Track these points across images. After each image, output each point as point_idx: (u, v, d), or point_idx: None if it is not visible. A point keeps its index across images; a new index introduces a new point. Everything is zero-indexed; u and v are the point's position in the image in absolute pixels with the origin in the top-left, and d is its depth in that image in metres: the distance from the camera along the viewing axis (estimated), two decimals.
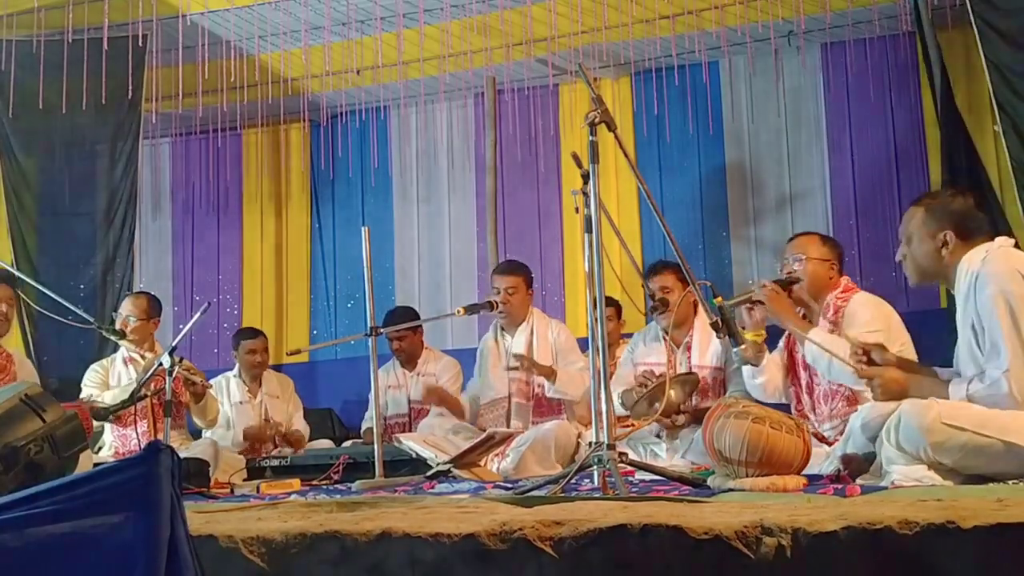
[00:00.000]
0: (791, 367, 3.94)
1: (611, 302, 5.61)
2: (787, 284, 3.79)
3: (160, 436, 4.70)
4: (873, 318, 3.66)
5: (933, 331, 3.97)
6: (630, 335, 5.28)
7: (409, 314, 5.76)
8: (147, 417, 5.02)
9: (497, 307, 4.91)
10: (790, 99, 6.66)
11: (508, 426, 4.83)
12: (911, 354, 3.64)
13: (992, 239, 3.06)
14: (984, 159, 5.53)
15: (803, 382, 3.87)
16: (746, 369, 3.94)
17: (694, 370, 4.52)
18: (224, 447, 5.37)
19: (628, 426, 4.58)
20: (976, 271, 2.95)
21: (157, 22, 6.21)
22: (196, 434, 5.51)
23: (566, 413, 4.95)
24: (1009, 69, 5.07)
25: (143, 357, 5.22)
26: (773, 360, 3.96)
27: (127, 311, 5.31)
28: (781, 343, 4.04)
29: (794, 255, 3.86)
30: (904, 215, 3.25)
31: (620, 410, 4.50)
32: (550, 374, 4.78)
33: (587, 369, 4.72)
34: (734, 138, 6.81)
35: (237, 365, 6.06)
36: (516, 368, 4.85)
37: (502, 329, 5.09)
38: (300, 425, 5.99)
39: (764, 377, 3.90)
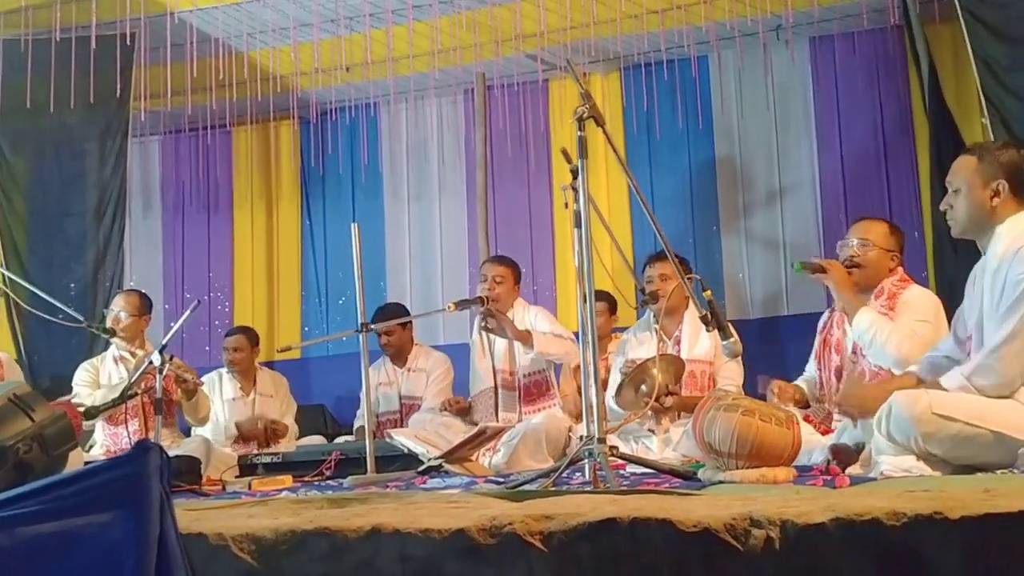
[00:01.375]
0: (822, 351, 3.94)
1: (604, 296, 5.61)
2: (848, 268, 3.80)
3: (151, 434, 4.70)
4: (927, 309, 3.67)
5: None
6: (623, 329, 5.29)
7: (399, 310, 5.77)
8: (138, 415, 5.02)
9: (487, 302, 4.94)
10: (779, 93, 6.67)
11: (497, 417, 4.86)
12: None
13: None
14: None
15: (833, 365, 3.86)
16: None
17: (685, 363, 4.52)
18: (216, 441, 5.39)
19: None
20: (1016, 244, 2.92)
21: (145, 20, 6.19)
22: (188, 432, 5.51)
23: (557, 398, 4.98)
24: (996, 62, 5.09)
25: (134, 355, 5.22)
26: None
27: (119, 308, 5.31)
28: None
29: (859, 239, 3.82)
30: (954, 164, 3.19)
31: (616, 411, 4.48)
32: (526, 338, 4.82)
33: (564, 336, 4.80)
34: (723, 133, 6.82)
35: None
36: (490, 329, 4.89)
37: None
38: (288, 422, 5.99)
39: None
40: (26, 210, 6.69)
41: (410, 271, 7.44)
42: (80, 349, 6.05)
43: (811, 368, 4.05)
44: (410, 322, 5.87)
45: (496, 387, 5.01)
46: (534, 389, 4.98)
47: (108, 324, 5.21)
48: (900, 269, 3.84)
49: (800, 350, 4.28)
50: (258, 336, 6.31)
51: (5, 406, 2.54)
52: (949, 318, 3.38)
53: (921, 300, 3.72)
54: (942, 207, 3.20)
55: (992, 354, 2.87)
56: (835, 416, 3.78)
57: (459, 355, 5.75)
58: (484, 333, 5.10)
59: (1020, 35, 5.09)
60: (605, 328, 5.51)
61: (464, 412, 5.11)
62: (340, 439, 5.73)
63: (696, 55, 6.47)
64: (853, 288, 3.75)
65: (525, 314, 5.08)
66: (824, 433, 3.69)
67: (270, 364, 6.70)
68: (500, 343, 5.05)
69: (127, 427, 5.03)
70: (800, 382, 4.03)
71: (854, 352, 3.77)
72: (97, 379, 5.26)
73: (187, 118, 7.22)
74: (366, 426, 4.23)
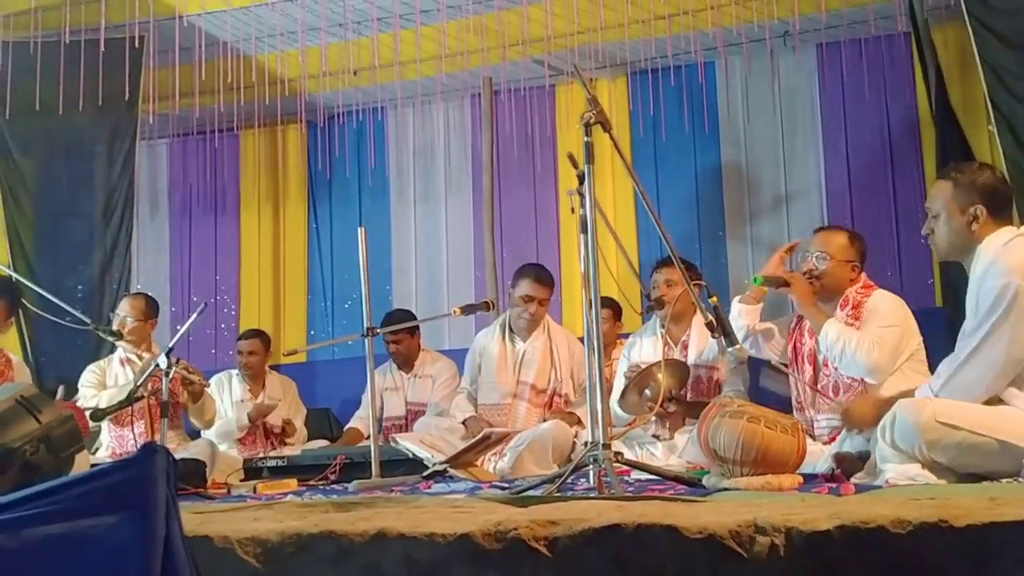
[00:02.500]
0: (794, 359, 3.95)
1: (608, 303, 5.60)
2: (809, 279, 3.82)
3: (157, 437, 4.70)
4: (892, 312, 3.69)
5: (930, 330, 3.98)
6: (627, 335, 5.28)
7: (407, 317, 5.76)
8: (144, 418, 5.03)
9: (493, 307, 4.92)
10: (786, 99, 6.66)
11: (513, 428, 4.82)
12: (923, 355, 3.70)
13: (1015, 220, 3.08)
14: (979, 158, 5.54)
15: (806, 376, 3.87)
16: (736, 307, 4.04)
17: (690, 368, 4.51)
18: (225, 438, 5.40)
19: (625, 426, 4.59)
20: (993, 257, 2.95)
21: (154, 23, 6.20)
22: (193, 435, 5.52)
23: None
24: (1004, 69, 5.08)
25: (140, 358, 5.23)
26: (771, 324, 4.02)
27: (124, 312, 5.32)
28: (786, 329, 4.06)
29: (818, 252, 3.83)
30: (931, 190, 3.23)
31: (621, 416, 4.48)
32: (577, 423, 4.77)
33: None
34: (730, 138, 6.82)
35: None
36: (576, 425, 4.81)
37: (509, 330, 5.08)
38: (296, 425, 6.01)
39: (749, 320, 4.01)
40: (34, 211, 6.70)
41: (416, 275, 7.44)
42: (87, 351, 6.06)
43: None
44: (418, 329, 5.86)
45: (515, 398, 4.94)
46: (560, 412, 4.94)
47: (115, 327, 5.22)
48: (863, 276, 3.85)
49: None
50: (270, 339, 6.33)
51: (12, 408, 2.55)
52: (956, 328, 3.37)
53: (886, 305, 3.73)
54: (924, 232, 3.22)
55: (957, 368, 2.89)
56: (817, 427, 3.79)
57: (463, 360, 5.75)
58: (507, 341, 5.06)
59: None
60: (610, 335, 5.49)
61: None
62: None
63: (703, 60, 6.47)
64: (816, 301, 3.77)
65: (566, 343, 5.00)
66: (824, 444, 3.70)
67: (276, 367, 6.71)
68: (531, 354, 4.96)
69: (133, 429, 5.05)
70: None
71: (825, 365, 3.78)
72: (104, 381, 5.28)
73: (195, 121, 7.23)
74: (371, 430, 4.23)
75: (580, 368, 4.91)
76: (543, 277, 5.07)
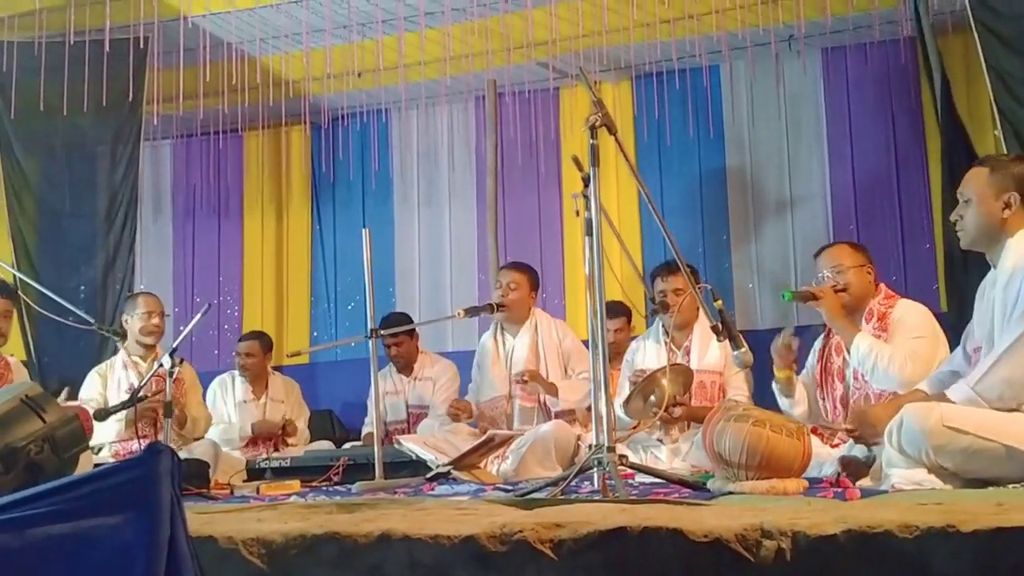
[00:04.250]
0: (823, 379, 3.91)
1: (622, 311, 5.57)
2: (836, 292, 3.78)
3: (160, 437, 4.69)
4: (921, 323, 3.67)
5: None
6: (634, 338, 5.26)
7: (405, 320, 5.76)
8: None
9: (497, 309, 4.93)
10: (790, 104, 6.67)
11: (510, 426, 4.84)
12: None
13: None
14: None
15: (837, 393, 3.82)
16: (783, 401, 3.94)
17: (694, 373, 4.50)
18: (227, 440, 5.37)
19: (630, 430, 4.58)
20: None
21: (158, 24, 6.21)
22: None
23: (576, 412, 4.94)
24: (1010, 75, 5.08)
25: (143, 359, 5.21)
26: (803, 384, 3.96)
27: (151, 308, 5.26)
28: (810, 360, 4.02)
29: (831, 267, 3.82)
30: (966, 175, 3.21)
31: (624, 420, 4.47)
32: (554, 391, 4.77)
33: (587, 378, 4.72)
34: (734, 142, 6.81)
35: None
36: (524, 382, 4.83)
37: (502, 328, 5.11)
38: (299, 427, 6.00)
39: (801, 407, 3.91)
40: (37, 212, 6.70)
41: (419, 277, 7.45)
42: (89, 351, 6.06)
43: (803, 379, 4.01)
44: (415, 331, 5.86)
45: (511, 396, 4.97)
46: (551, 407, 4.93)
47: (138, 327, 5.16)
48: (883, 286, 3.84)
49: None
50: (271, 341, 6.32)
51: (17, 407, 2.55)
52: (961, 333, 3.36)
53: (912, 316, 3.71)
54: (952, 218, 3.20)
55: (996, 361, 2.86)
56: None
57: (468, 361, 5.74)
58: (498, 338, 5.08)
59: None
60: (624, 344, 5.44)
61: (469, 418, 5.02)
62: (348, 444, 5.73)
63: (708, 64, 6.47)
64: (845, 314, 3.74)
65: (552, 331, 5.01)
66: (832, 447, 3.68)
67: (278, 368, 6.72)
68: (519, 350, 4.98)
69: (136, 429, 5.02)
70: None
71: (855, 378, 3.74)
72: (105, 389, 5.21)
73: (199, 122, 7.24)
74: (374, 431, 4.23)
75: (570, 355, 4.94)
76: (510, 263, 5.23)
